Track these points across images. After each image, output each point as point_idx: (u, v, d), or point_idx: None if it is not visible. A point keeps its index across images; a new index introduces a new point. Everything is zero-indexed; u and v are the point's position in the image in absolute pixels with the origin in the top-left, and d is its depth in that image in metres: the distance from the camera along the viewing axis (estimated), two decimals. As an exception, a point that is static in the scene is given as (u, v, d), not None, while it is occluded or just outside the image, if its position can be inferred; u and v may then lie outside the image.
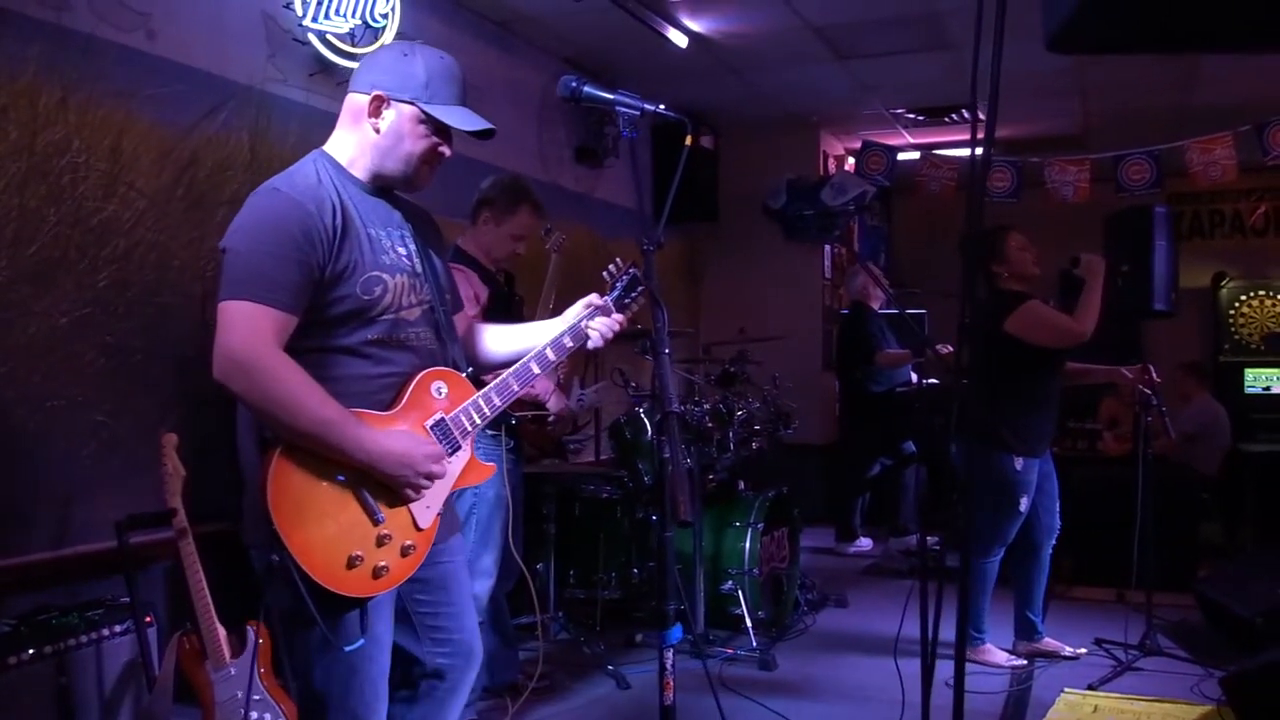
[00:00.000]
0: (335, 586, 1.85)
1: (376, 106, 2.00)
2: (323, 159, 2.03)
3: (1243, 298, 8.87)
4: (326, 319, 1.93)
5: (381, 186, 2.07)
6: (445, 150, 2.06)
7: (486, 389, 2.09)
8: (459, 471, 2.07)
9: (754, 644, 4.19)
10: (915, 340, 6.18)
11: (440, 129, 2.03)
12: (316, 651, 1.94)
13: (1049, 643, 4.24)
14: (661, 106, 2.00)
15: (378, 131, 2.01)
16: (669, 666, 1.75)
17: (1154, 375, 4.29)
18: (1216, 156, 6.44)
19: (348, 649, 1.91)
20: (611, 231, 6.66)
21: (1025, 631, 4.26)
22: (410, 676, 2.16)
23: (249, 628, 2.77)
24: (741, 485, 4.84)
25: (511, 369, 2.13)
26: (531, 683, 3.69)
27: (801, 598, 4.89)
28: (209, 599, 2.79)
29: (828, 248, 7.85)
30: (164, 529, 2.90)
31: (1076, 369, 4.26)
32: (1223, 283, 8.90)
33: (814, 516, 6.90)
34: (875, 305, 6.53)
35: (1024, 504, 4.03)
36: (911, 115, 7.43)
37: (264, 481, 1.82)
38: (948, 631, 4.25)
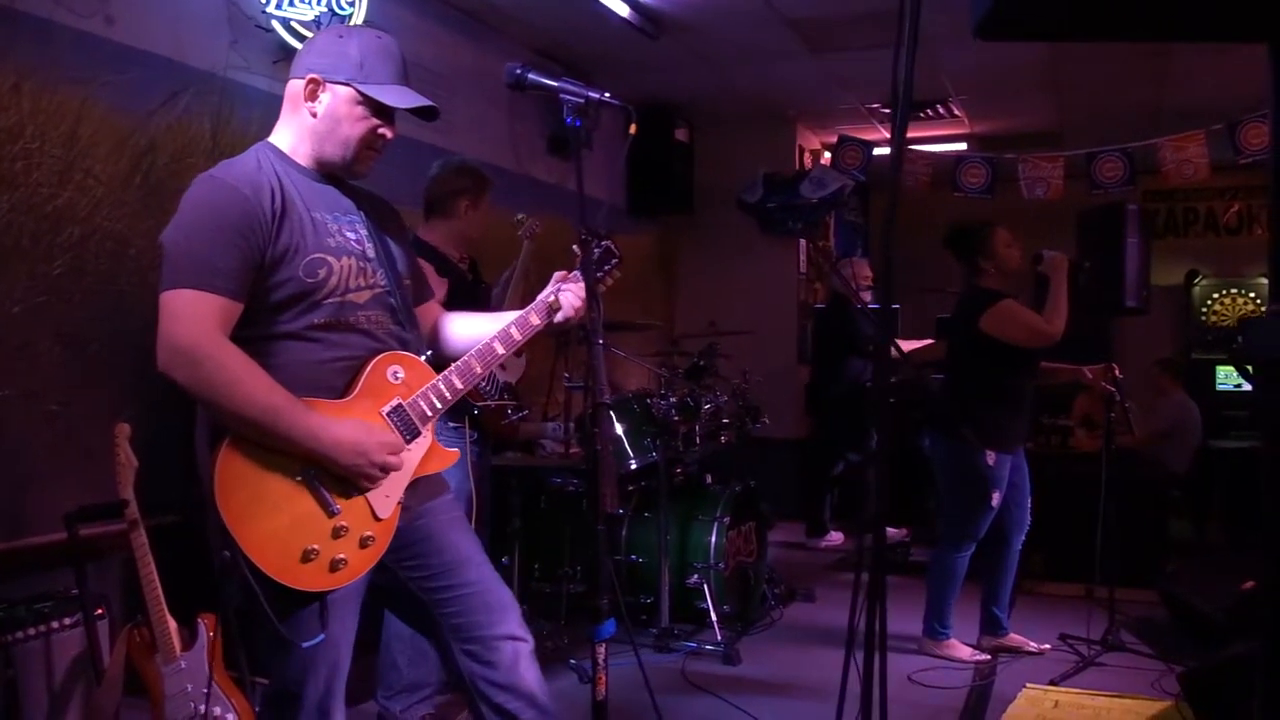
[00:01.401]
0: (290, 581, 1.81)
1: (312, 90, 1.96)
2: (265, 149, 2.01)
3: (1215, 296, 8.94)
4: (270, 304, 1.89)
5: (329, 174, 2.04)
6: (386, 132, 2.02)
7: (447, 371, 2.05)
8: (420, 458, 2.02)
9: (719, 638, 4.18)
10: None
11: (380, 110, 1.99)
12: (276, 648, 1.91)
13: (1014, 638, 4.25)
14: (606, 95, 1.98)
15: (314, 115, 1.98)
16: (601, 662, 1.72)
17: (1117, 373, 4.31)
18: (1189, 155, 6.47)
19: (305, 645, 1.86)
20: (586, 223, 6.62)
21: (990, 626, 4.27)
22: (447, 662, 2.08)
23: (199, 621, 2.73)
24: (709, 479, 4.83)
25: (473, 351, 2.08)
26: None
27: (769, 592, 4.89)
28: (160, 591, 2.75)
29: (802, 242, 7.84)
30: (116, 521, 2.85)
31: (1043, 367, 4.27)
32: (1196, 280, 8.96)
33: (786, 511, 6.91)
34: (856, 302, 6.53)
35: (995, 499, 4.04)
36: (887, 110, 7.42)
37: (211, 474, 1.78)
38: (909, 625, 4.33)
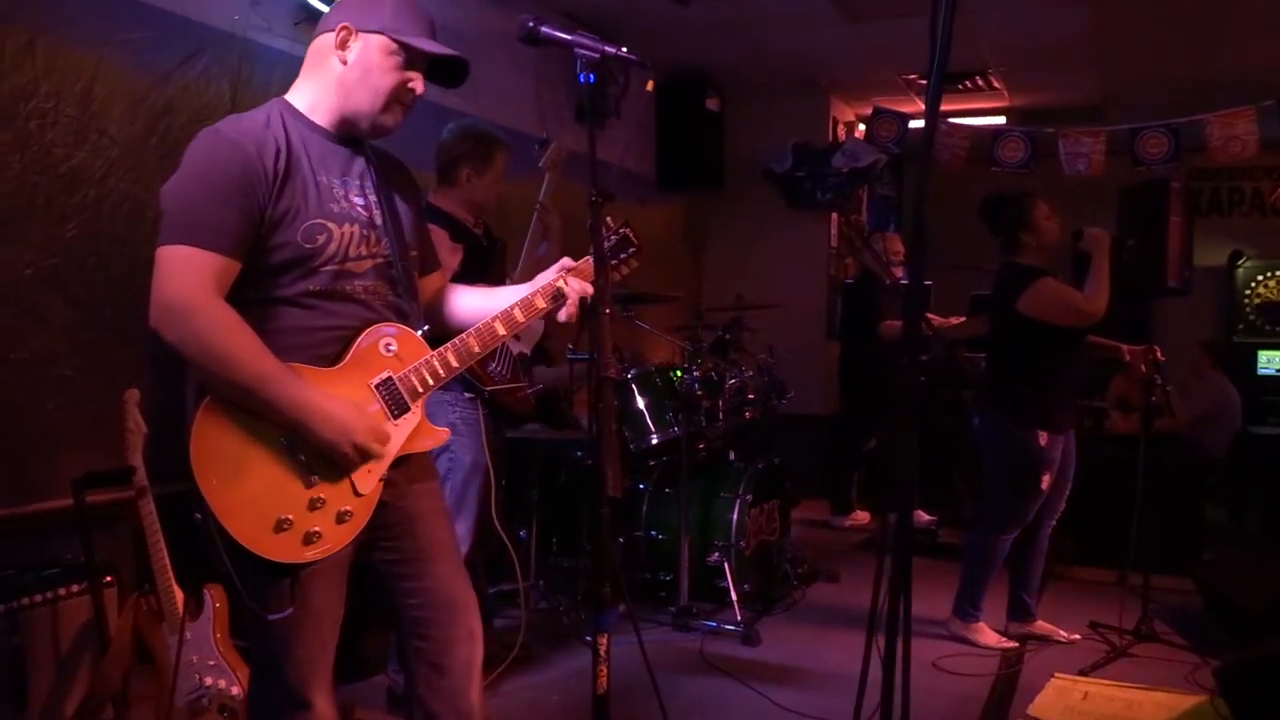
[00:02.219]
0: (261, 550, 1.76)
1: (344, 38, 1.90)
2: (279, 105, 1.94)
3: (1259, 278, 8.68)
4: (266, 267, 1.83)
5: (347, 133, 1.96)
6: (417, 86, 1.95)
7: (443, 348, 1.97)
8: (406, 435, 1.94)
9: (738, 618, 4.10)
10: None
11: (411, 62, 1.93)
12: (248, 618, 1.87)
13: (1042, 625, 4.14)
14: (624, 50, 1.87)
15: (344, 64, 1.91)
16: (602, 653, 1.63)
17: (1159, 355, 4.16)
18: (1238, 131, 6.25)
19: (272, 618, 1.81)
20: (614, 192, 6.51)
21: (1018, 613, 4.16)
22: (401, 646, 2.05)
23: (205, 591, 2.69)
24: (732, 455, 4.73)
25: (474, 328, 2.01)
26: (508, 653, 3.62)
27: (791, 571, 4.80)
28: (167, 560, 2.71)
29: (833, 216, 7.69)
30: (124, 487, 2.81)
31: (1090, 340, 4.14)
32: (1239, 262, 8.71)
33: (811, 488, 6.81)
34: (886, 279, 6.39)
35: (1046, 481, 3.92)
36: (924, 81, 7.22)
37: (189, 434, 1.73)
38: (934, 609, 4.23)
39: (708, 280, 7.85)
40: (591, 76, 1.86)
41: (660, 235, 7.30)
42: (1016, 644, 4.05)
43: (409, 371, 1.94)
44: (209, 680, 2.65)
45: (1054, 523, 4.13)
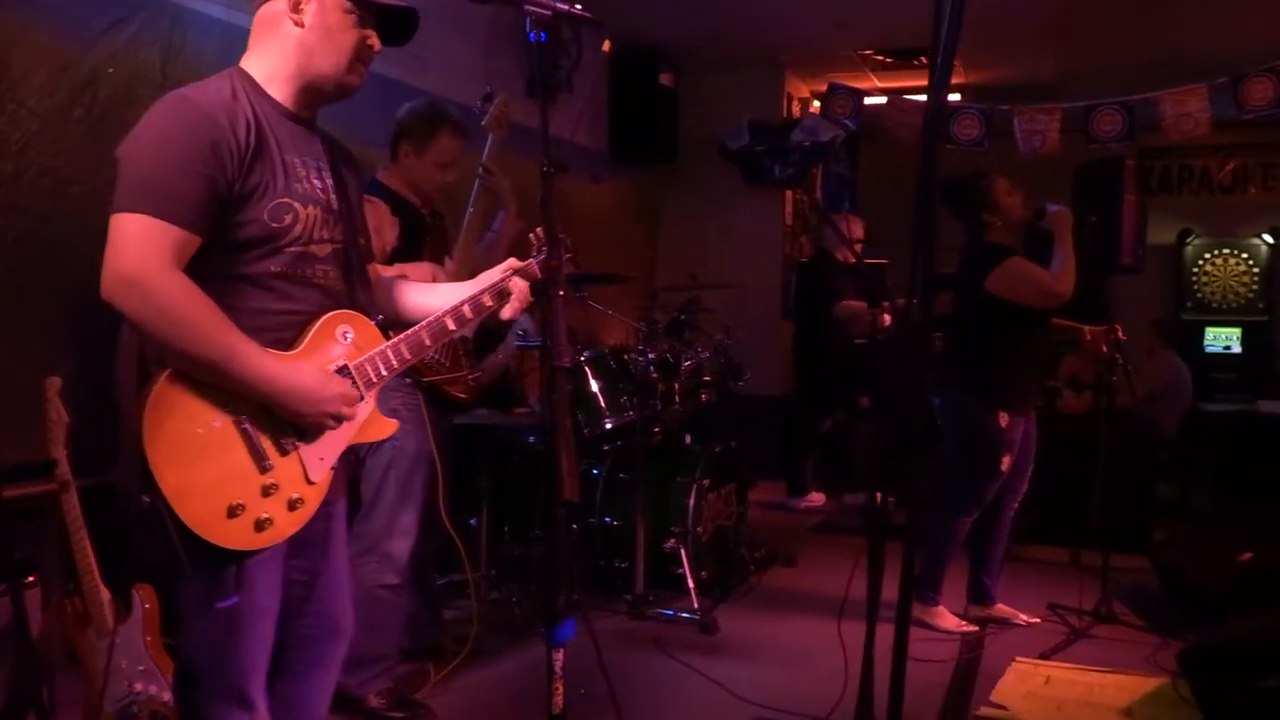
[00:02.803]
0: (212, 536, 1.68)
1: (296, 1, 1.82)
2: (239, 76, 1.84)
3: (1207, 255, 8.78)
4: (228, 243, 1.76)
5: (305, 106, 1.90)
6: (375, 43, 1.90)
7: (397, 339, 1.94)
8: (359, 424, 1.90)
9: (695, 605, 4.02)
10: (873, 292, 5.95)
11: (364, 19, 1.87)
12: (190, 610, 1.80)
13: (1002, 608, 4.11)
14: (577, 6, 1.76)
15: (301, 27, 1.83)
16: (557, 670, 1.52)
17: (1120, 335, 4.12)
18: (1190, 109, 6.26)
19: (220, 605, 1.75)
20: (567, 165, 6.36)
21: (978, 596, 4.12)
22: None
23: (134, 592, 2.53)
24: (688, 439, 4.64)
25: (425, 322, 1.98)
26: (460, 646, 3.50)
27: (749, 556, 4.73)
28: (92, 559, 2.55)
29: (789, 194, 7.61)
30: (46, 481, 2.63)
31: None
32: (1188, 240, 8.79)
33: (769, 470, 6.75)
34: (839, 257, 6.32)
35: (1006, 463, 3.87)
36: (879, 58, 7.16)
37: (142, 411, 1.64)
38: (892, 591, 4.17)
39: (662, 259, 7.73)
40: (543, 36, 1.73)
41: (613, 213, 7.17)
42: (976, 628, 4.01)
43: (364, 360, 1.89)
44: (139, 686, 2.50)
45: (1016, 505, 4.09)
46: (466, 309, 2.01)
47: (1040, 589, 4.42)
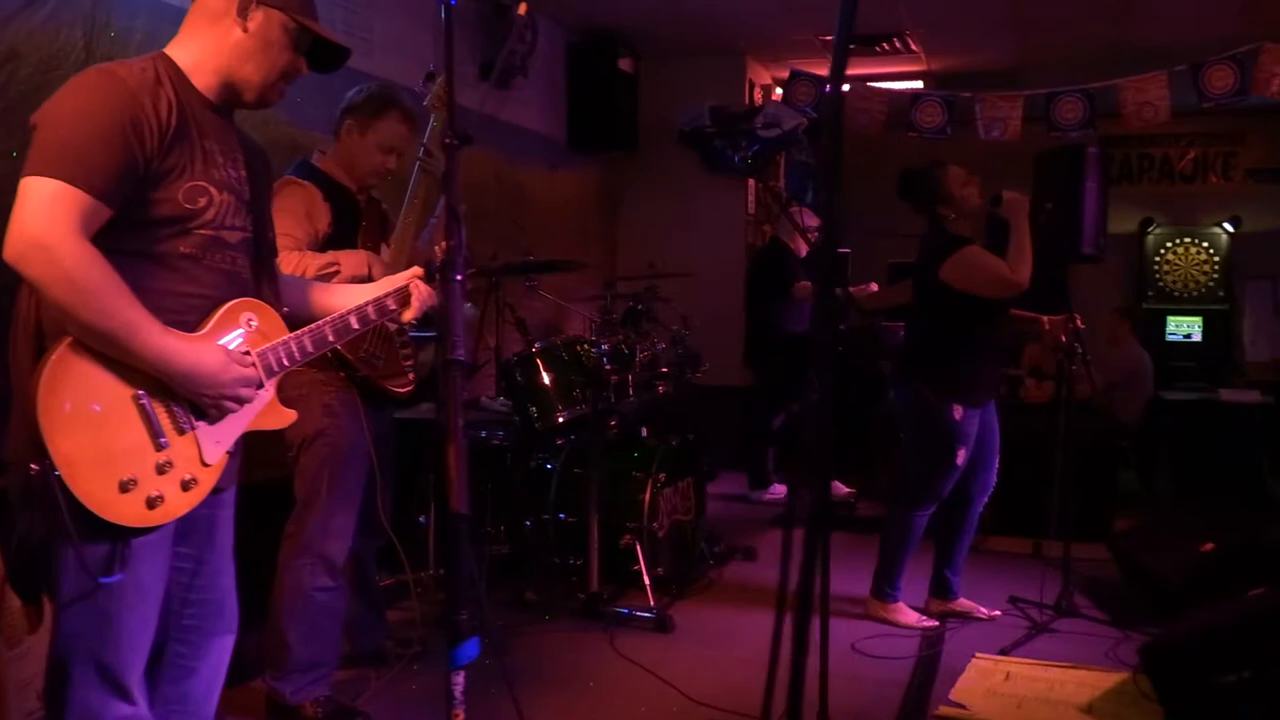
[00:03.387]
0: (101, 510, 1.66)
1: (246, 6, 1.87)
2: (163, 61, 1.86)
3: (1168, 244, 8.78)
4: (140, 221, 1.76)
5: (224, 101, 1.93)
6: (303, 68, 1.97)
7: (301, 332, 1.98)
8: (258, 411, 1.92)
9: (651, 604, 3.91)
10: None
11: (300, 44, 1.94)
12: (68, 588, 1.74)
13: (963, 603, 4.03)
14: None
15: (245, 32, 1.88)
16: (457, 695, 1.40)
17: (1079, 324, 4.05)
18: (1150, 96, 6.25)
19: (104, 580, 1.71)
20: (520, 156, 6.23)
21: (940, 591, 4.05)
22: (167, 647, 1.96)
23: (45, 600, 2.38)
24: (644, 432, 4.53)
25: (330, 318, 2.04)
26: (404, 649, 3.37)
27: (707, 550, 4.63)
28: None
29: (751, 182, 7.50)
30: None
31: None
32: (1149, 229, 8.79)
33: (730, 461, 6.66)
34: (793, 246, 6.22)
35: (961, 457, 3.79)
36: (841, 43, 7.05)
37: (38, 376, 1.63)
38: (854, 586, 4.10)
39: (623, 248, 7.61)
40: (452, 1, 1.62)
41: (571, 200, 7.03)
42: (937, 623, 3.93)
43: (268, 348, 1.91)
44: (51, 699, 2.35)
45: (985, 499, 4.02)
46: (370, 310, 2.09)
47: (1002, 581, 4.36)
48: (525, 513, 4.27)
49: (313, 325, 1.99)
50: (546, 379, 3.98)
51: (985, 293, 3.72)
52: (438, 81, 3.24)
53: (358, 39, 4.63)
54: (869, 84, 7.02)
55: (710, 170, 7.28)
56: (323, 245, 2.89)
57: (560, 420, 3.97)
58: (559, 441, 4.38)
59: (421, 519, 4.02)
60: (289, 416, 2.00)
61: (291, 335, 1.96)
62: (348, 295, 2.17)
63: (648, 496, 4.04)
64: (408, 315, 2.11)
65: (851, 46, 7.01)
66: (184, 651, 1.96)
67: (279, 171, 3.17)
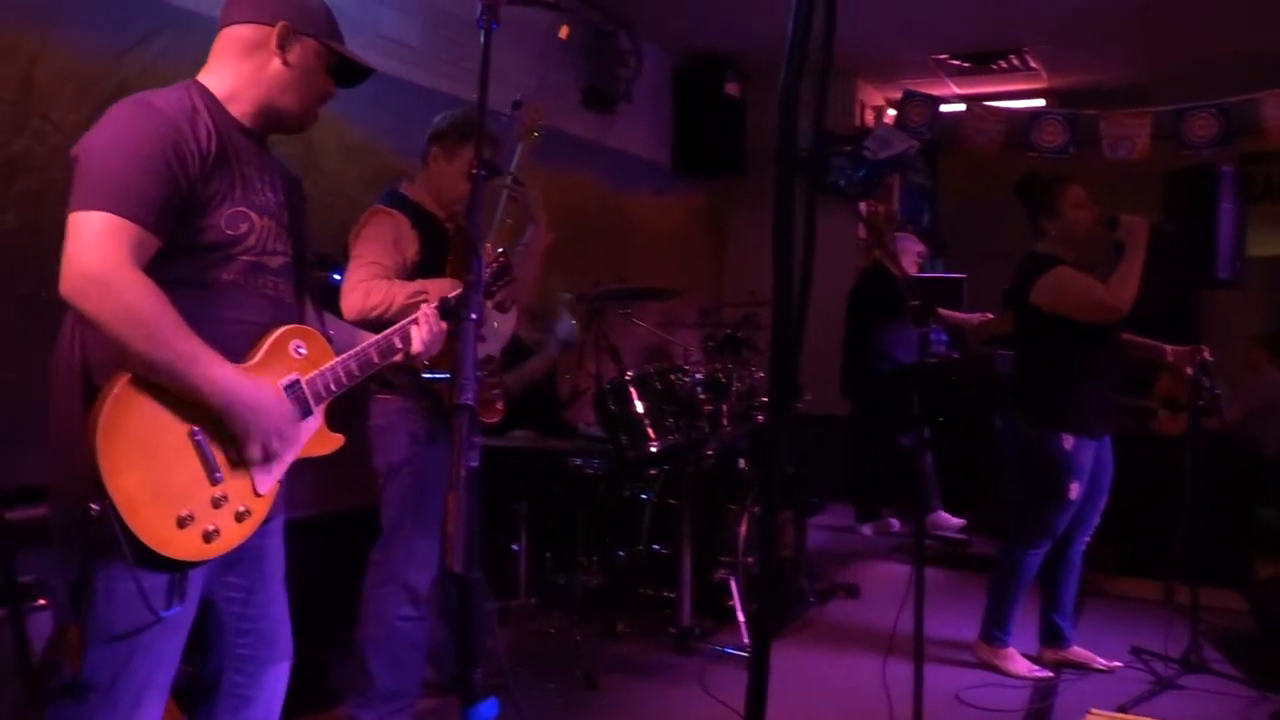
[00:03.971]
0: (161, 547, 1.66)
1: (285, 38, 1.89)
2: (196, 88, 1.86)
3: (1318, 268, 8.20)
4: (184, 249, 1.76)
5: (261, 128, 1.94)
6: (333, 92, 2.00)
7: (347, 356, 1.97)
8: (308, 440, 1.92)
9: (745, 641, 3.79)
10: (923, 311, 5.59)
11: (331, 68, 1.96)
12: (122, 621, 1.70)
13: (1078, 652, 3.78)
14: None
15: (286, 65, 1.89)
16: None
17: (1206, 356, 3.77)
18: (1297, 110, 5.84)
19: (166, 614, 1.71)
20: (624, 182, 6.22)
21: (1051, 638, 3.80)
22: (207, 675, 1.94)
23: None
24: (741, 463, 4.41)
25: (373, 339, 2.03)
26: (489, 679, 3.33)
27: (807, 587, 4.47)
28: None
29: (862, 206, 7.32)
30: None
31: (1123, 339, 3.78)
32: (1297, 252, 8.23)
33: (837, 493, 6.47)
34: (896, 271, 6.00)
35: (1074, 490, 3.56)
36: (956, 62, 6.84)
37: (98, 413, 1.62)
38: (963, 629, 3.90)
39: (729, 274, 7.52)
40: (495, 25, 1.58)
41: (677, 226, 6.99)
42: (1050, 673, 3.69)
43: (315, 375, 1.92)
44: None
45: (1088, 539, 3.77)
46: (395, 339, 2.05)
47: (1125, 629, 4.09)
48: (618, 543, 4.20)
49: (358, 348, 1.98)
50: (640, 408, 3.92)
51: (1079, 316, 3.50)
52: (525, 110, 3.25)
53: (460, 67, 4.68)
54: (985, 103, 6.78)
55: (816, 192, 7.13)
56: (411, 274, 2.89)
57: (652, 450, 3.90)
58: (653, 471, 4.31)
59: (514, 547, 3.99)
60: (336, 441, 1.98)
61: (338, 360, 1.95)
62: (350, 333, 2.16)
63: (743, 529, 3.93)
64: (415, 349, 2.07)
65: (966, 65, 6.83)
66: (241, 681, 1.95)
67: (371, 200, 3.23)
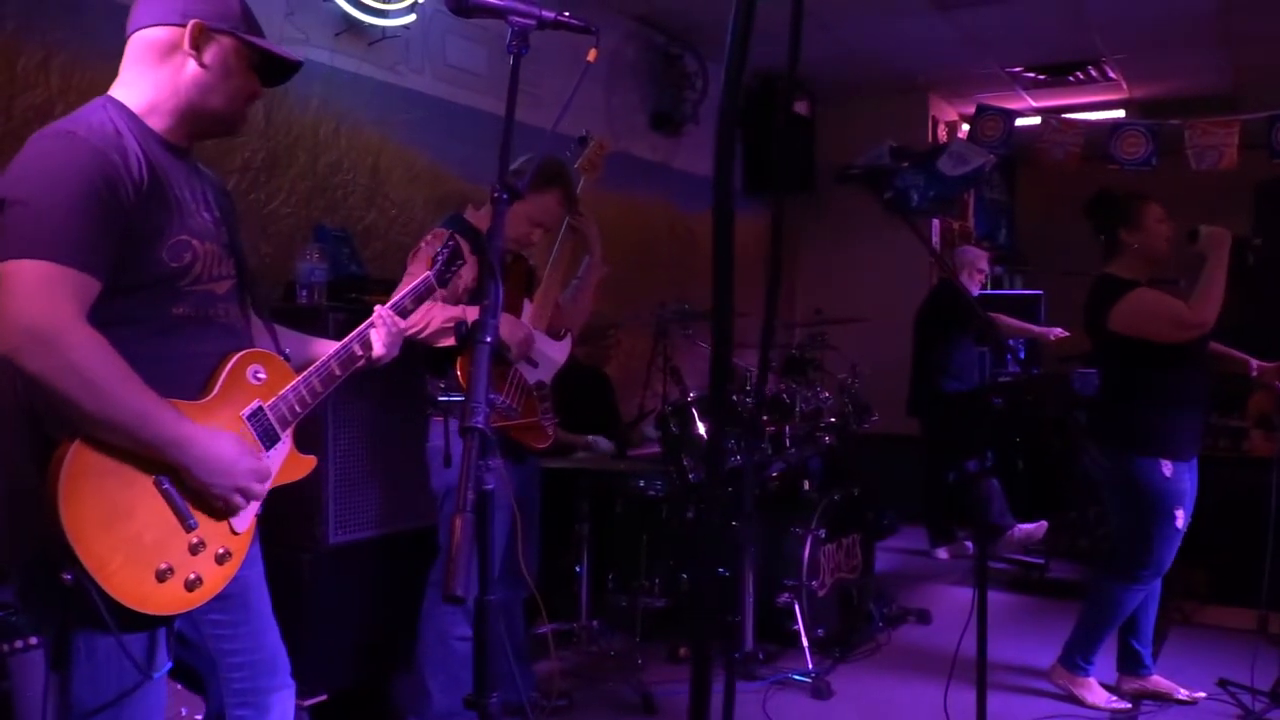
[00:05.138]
0: (142, 605, 1.56)
1: (199, 38, 1.72)
2: (114, 107, 1.70)
3: None
4: (129, 286, 1.63)
5: (186, 139, 1.79)
6: (260, 91, 1.84)
7: (308, 373, 1.88)
8: (279, 467, 1.83)
9: (809, 666, 3.72)
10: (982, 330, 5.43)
11: (253, 64, 1.80)
12: (108, 686, 1.61)
13: (1158, 681, 3.62)
14: (565, 14, 1.61)
15: (204, 66, 1.72)
16: None
17: (1292, 371, 3.60)
18: (1400, 115, 5.57)
19: (158, 676, 1.65)
20: (692, 205, 6.22)
21: (1130, 665, 3.65)
22: (210, 714, 1.90)
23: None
24: (806, 485, 4.35)
25: (332, 351, 1.93)
26: (544, 701, 3.34)
27: (876, 611, 4.37)
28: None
29: (936, 222, 7.20)
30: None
31: (1212, 350, 3.61)
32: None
33: (912, 515, 6.34)
34: (971, 287, 5.87)
35: (1180, 519, 3.41)
36: (1031, 74, 6.70)
37: (55, 480, 1.50)
38: (1039, 656, 3.77)
39: (801, 293, 7.45)
40: (524, 49, 1.58)
41: (747, 245, 6.95)
42: (1129, 705, 3.54)
43: (279, 400, 1.83)
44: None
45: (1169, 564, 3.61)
46: (356, 347, 1.96)
47: (1213, 659, 3.91)
48: (681, 566, 4.17)
49: (319, 363, 1.89)
50: (701, 429, 3.89)
51: (1162, 338, 3.35)
52: (590, 145, 3.28)
53: (526, 93, 4.75)
54: (1063, 116, 6.61)
55: (889, 211, 7.04)
56: (464, 300, 2.92)
57: (715, 471, 3.86)
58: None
59: (578, 568, 3.99)
60: (308, 464, 1.90)
61: (299, 379, 1.85)
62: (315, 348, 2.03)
63: (807, 552, 3.87)
64: (376, 352, 1.97)
65: (1042, 77, 6.69)
66: (245, 715, 1.88)
67: (435, 224, 3.28)
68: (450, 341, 2.83)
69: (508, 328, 2.88)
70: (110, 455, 1.56)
